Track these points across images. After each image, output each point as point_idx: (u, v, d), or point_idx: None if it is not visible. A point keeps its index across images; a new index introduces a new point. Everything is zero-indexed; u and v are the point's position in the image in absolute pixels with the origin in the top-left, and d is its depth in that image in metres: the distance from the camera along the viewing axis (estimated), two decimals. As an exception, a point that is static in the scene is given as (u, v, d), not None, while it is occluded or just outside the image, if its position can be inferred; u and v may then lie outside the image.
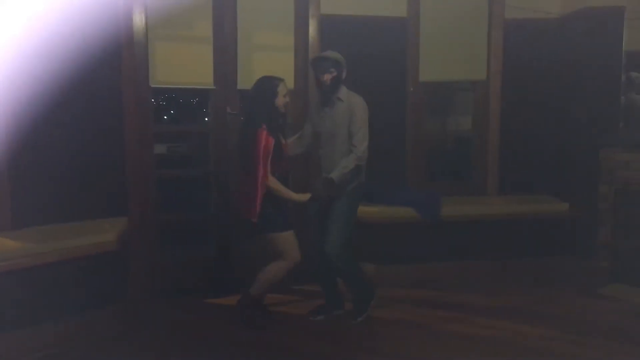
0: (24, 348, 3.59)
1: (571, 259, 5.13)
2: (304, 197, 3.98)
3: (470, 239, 5.05)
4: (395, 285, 4.82)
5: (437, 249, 5.01)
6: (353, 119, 3.91)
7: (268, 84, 3.90)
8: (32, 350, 3.61)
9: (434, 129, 6.53)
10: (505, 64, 5.35)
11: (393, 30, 5.20)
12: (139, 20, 4.41)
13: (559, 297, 4.65)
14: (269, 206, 3.83)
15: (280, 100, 3.89)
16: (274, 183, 3.84)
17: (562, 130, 5.34)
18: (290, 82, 5.00)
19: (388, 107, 5.09)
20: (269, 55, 4.97)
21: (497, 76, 5.37)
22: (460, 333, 3.99)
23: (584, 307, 4.46)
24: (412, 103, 5.31)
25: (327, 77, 3.93)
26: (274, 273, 3.93)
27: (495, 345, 3.79)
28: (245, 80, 4.70)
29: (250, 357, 3.71)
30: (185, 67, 4.72)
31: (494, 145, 5.44)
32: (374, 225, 4.83)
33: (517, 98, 5.38)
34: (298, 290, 4.77)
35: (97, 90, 4.26)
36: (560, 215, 5.17)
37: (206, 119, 7.51)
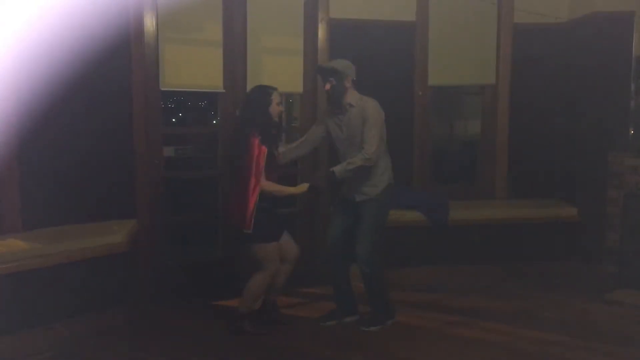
0: (31, 348, 3.62)
1: (579, 264, 5.12)
2: (302, 188, 3.95)
3: (477, 242, 5.05)
4: (402, 289, 4.81)
5: (445, 252, 5.00)
6: (366, 122, 3.88)
7: (262, 92, 3.94)
8: (40, 350, 3.63)
9: (442, 133, 6.53)
10: (513, 68, 5.35)
11: (402, 34, 5.21)
12: (149, 23, 4.41)
13: (566, 302, 4.63)
14: (263, 217, 3.80)
15: (274, 109, 3.90)
16: (268, 186, 3.81)
17: (570, 134, 5.33)
18: (299, 86, 5.04)
19: (396, 111, 5.08)
20: (278, 58, 5.00)
21: (505, 80, 5.37)
22: (466, 337, 3.99)
23: (590, 312, 4.44)
24: (420, 107, 5.32)
25: (327, 87, 3.94)
26: (256, 286, 3.94)
27: (500, 349, 3.79)
28: (255, 84, 4.71)
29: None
30: (195, 70, 4.74)
31: (502, 149, 5.44)
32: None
33: (525, 102, 5.37)
34: (306, 293, 4.78)
35: (106, 93, 4.28)
36: (569, 219, 5.15)
37: (214, 121, 7.55)
